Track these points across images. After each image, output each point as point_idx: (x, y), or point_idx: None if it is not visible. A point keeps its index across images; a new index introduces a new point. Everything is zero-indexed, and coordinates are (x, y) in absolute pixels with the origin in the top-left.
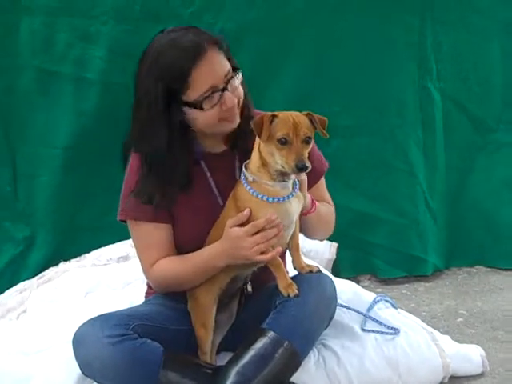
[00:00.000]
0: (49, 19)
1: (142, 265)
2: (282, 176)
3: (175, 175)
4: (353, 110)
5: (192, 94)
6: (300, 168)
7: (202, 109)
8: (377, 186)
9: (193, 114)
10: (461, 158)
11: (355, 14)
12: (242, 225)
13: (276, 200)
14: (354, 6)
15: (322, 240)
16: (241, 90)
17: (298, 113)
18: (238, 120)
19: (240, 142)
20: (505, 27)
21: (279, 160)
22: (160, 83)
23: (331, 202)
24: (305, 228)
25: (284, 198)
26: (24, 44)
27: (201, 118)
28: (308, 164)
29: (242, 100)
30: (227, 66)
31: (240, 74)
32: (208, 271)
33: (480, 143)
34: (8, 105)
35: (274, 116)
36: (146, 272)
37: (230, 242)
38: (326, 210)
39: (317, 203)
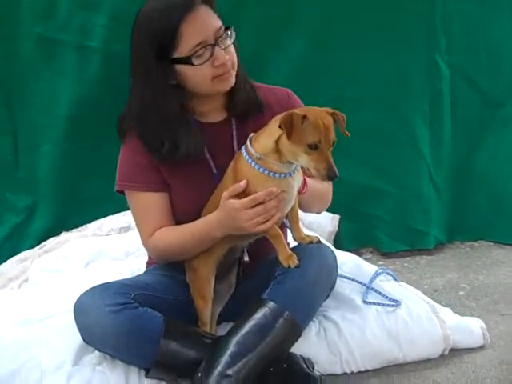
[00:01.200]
0: None
1: (140, 235)
2: (288, 160)
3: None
4: (357, 81)
5: (183, 50)
6: (331, 177)
7: (192, 64)
8: (380, 158)
9: (185, 71)
10: (467, 133)
11: None
12: (238, 196)
13: (281, 176)
14: None
15: (318, 213)
16: (233, 50)
17: (324, 113)
18: (232, 80)
19: (236, 108)
20: None
21: (307, 164)
22: (152, 41)
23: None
24: (299, 203)
25: (287, 174)
26: (26, 11)
27: (194, 76)
28: (338, 173)
29: (235, 60)
30: (218, 23)
31: (233, 33)
32: (205, 241)
33: (488, 118)
34: (9, 73)
35: (304, 117)
36: (144, 242)
37: (227, 214)
38: (321, 187)
39: (308, 183)
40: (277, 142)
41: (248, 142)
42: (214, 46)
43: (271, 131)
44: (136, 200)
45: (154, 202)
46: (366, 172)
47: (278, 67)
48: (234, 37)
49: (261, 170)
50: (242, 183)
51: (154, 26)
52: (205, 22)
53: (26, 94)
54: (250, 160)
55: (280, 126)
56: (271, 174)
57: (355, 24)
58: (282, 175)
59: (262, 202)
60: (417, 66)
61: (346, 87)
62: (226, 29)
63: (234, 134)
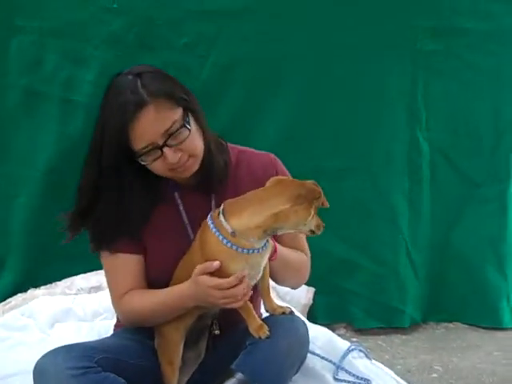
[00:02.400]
0: (40, 39)
1: (111, 295)
2: (269, 234)
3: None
4: (341, 152)
5: (134, 146)
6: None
7: (142, 160)
8: (358, 232)
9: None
10: (446, 210)
11: (348, 57)
12: (211, 273)
13: (252, 252)
14: (347, 49)
15: (293, 289)
16: (191, 143)
17: None
18: (193, 168)
19: (209, 185)
20: (496, 82)
21: (312, 226)
22: (109, 132)
23: (306, 250)
24: (271, 273)
25: (259, 249)
26: (13, 62)
27: (150, 167)
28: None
29: (194, 150)
30: (171, 119)
31: (190, 125)
32: (176, 310)
33: (466, 196)
34: None
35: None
36: (114, 303)
37: (199, 289)
38: (296, 257)
39: (281, 252)
40: (277, 214)
41: (219, 213)
42: (162, 147)
43: (269, 205)
44: (109, 260)
45: (128, 263)
46: (342, 244)
47: (263, 131)
48: (190, 126)
49: (229, 245)
50: (215, 264)
51: (108, 123)
52: (152, 125)
53: (7, 144)
54: (218, 234)
55: (296, 201)
56: (244, 250)
57: (342, 95)
58: (255, 251)
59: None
60: (398, 140)
61: (330, 156)
62: (186, 110)
63: (213, 202)
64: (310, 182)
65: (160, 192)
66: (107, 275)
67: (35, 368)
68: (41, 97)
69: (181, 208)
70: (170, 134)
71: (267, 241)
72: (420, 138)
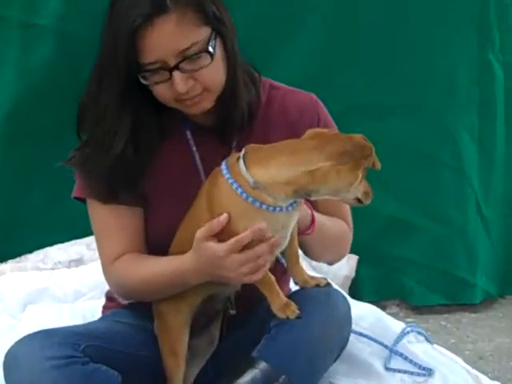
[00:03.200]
0: None
1: (100, 258)
2: (299, 196)
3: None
4: (386, 84)
5: (140, 58)
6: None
7: (144, 78)
8: (413, 184)
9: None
10: None
11: None
12: (217, 234)
13: (276, 210)
14: None
15: (330, 264)
16: (209, 74)
17: None
18: (205, 106)
19: (231, 130)
20: None
21: (359, 191)
22: (116, 35)
23: (348, 219)
24: (304, 247)
25: (283, 208)
26: None
27: (152, 89)
28: None
29: (210, 82)
30: (192, 38)
31: (214, 52)
32: (176, 287)
33: None
34: None
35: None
36: (104, 268)
37: (207, 260)
38: (336, 227)
39: (320, 222)
40: (313, 172)
41: (238, 158)
42: (172, 70)
43: (305, 159)
44: (98, 213)
45: (122, 217)
46: (392, 200)
47: (286, 64)
48: (218, 56)
49: (250, 200)
50: (222, 219)
51: (118, 24)
52: (167, 39)
53: None
54: (234, 185)
55: (339, 158)
56: (264, 206)
57: (385, 10)
58: (278, 208)
59: (249, 244)
60: (464, 65)
61: (371, 91)
62: (216, 33)
63: (235, 143)
64: (358, 136)
65: (168, 127)
66: (97, 233)
67: (5, 358)
68: None
69: (193, 149)
70: (185, 57)
71: (296, 202)
72: (493, 61)
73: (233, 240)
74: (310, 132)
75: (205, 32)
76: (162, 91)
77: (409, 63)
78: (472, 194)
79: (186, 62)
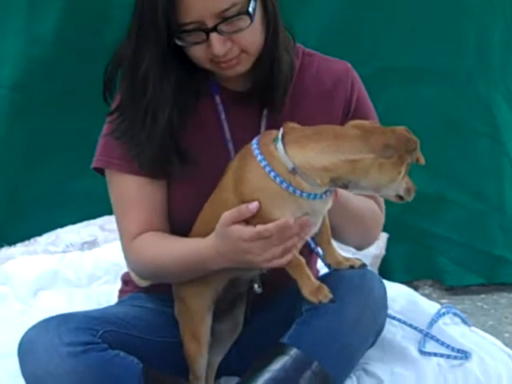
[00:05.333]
0: None
1: (120, 235)
2: (336, 185)
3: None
4: (415, 47)
5: (178, 18)
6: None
7: (180, 39)
8: (445, 155)
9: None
10: None
11: None
12: (246, 221)
13: (310, 197)
14: None
15: (358, 249)
16: (247, 36)
17: None
18: (241, 68)
19: (267, 96)
20: None
21: (401, 188)
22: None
23: (380, 202)
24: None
25: (317, 195)
26: None
27: (187, 50)
28: None
29: (249, 44)
30: (231, 1)
31: (254, 13)
32: (198, 271)
33: None
34: None
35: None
36: (124, 246)
37: (230, 245)
38: (363, 206)
39: (340, 196)
40: (355, 162)
41: (275, 139)
42: (210, 31)
43: (348, 147)
44: (120, 185)
45: (145, 192)
46: (423, 174)
47: (305, 25)
48: (257, 19)
49: (284, 185)
50: (252, 206)
51: None
52: None
53: None
54: (269, 169)
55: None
56: (298, 192)
57: None
58: (312, 196)
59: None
60: (498, 26)
61: (399, 54)
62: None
63: (264, 121)
64: (401, 129)
65: (198, 89)
66: (116, 206)
67: (20, 345)
68: None
69: (222, 117)
70: (224, 18)
71: (330, 191)
72: None
73: (262, 228)
74: (352, 123)
75: None
76: (198, 52)
77: (439, 25)
78: (509, 165)
79: (225, 23)
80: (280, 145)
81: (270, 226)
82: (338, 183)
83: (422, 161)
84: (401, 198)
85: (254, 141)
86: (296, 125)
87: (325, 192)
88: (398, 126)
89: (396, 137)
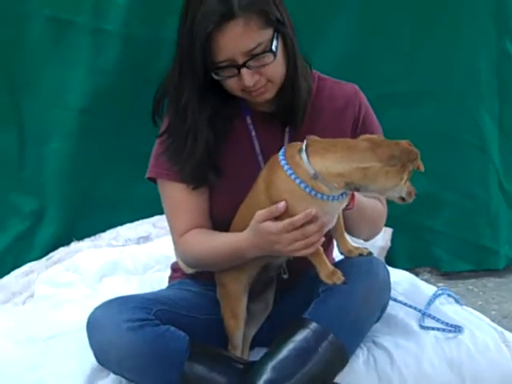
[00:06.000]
0: None
1: (171, 232)
2: (350, 189)
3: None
4: (414, 73)
5: (213, 57)
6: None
7: (215, 74)
8: (441, 162)
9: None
10: None
11: None
12: (276, 218)
13: (329, 199)
14: None
15: (366, 240)
16: (272, 69)
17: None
18: (268, 95)
19: (290, 116)
20: None
21: (403, 192)
22: (193, 39)
23: (383, 200)
24: (344, 223)
25: (335, 197)
26: None
27: (222, 82)
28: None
29: (273, 75)
30: (257, 39)
31: (276, 50)
32: (235, 258)
33: None
34: (15, 59)
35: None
36: (175, 241)
37: (261, 237)
38: (373, 206)
39: (359, 200)
40: (365, 169)
41: (300, 150)
42: (241, 67)
43: (359, 157)
44: (171, 191)
45: (191, 196)
46: (422, 177)
47: (323, 53)
48: (279, 55)
49: (307, 189)
50: (280, 206)
51: (193, 28)
52: (235, 41)
53: (34, 83)
54: (293, 176)
55: (388, 162)
56: (319, 195)
57: (411, 6)
58: (330, 197)
59: (302, 225)
60: (484, 54)
61: (401, 80)
62: (277, 33)
63: (286, 136)
64: (404, 142)
65: (231, 114)
66: (168, 210)
67: (88, 322)
68: (68, 26)
69: (253, 134)
70: (252, 55)
71: (346, 193)
72: (510, 50)
73: (287, 221)
74: (362, 137)
75: (268, 33)
76: (231, 84)
77: (433, 54)
78: (494, 171)
79: (253, 60)
80: (304, 155)
81: (294, 219)
82: (351, 187)
83: (422, 168)
84: (403, 199)
85: (281, 152)
86: (317, 138)
87: (341, 194)
88: (401, 139)
89: (400, 149)
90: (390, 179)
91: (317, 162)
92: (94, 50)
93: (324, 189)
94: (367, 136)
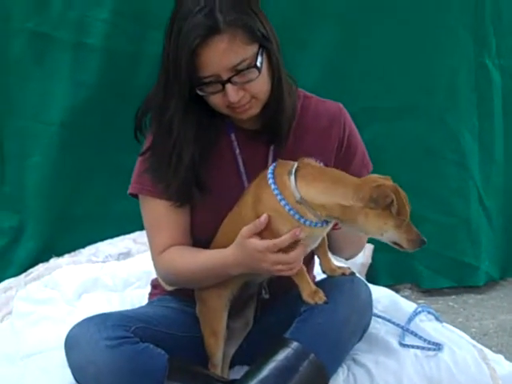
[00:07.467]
0: None
1: (151, 249)
2: (334, 219)
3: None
4: (395, 89)
5: (198, 73)
6: (422, 244)
7: (200, 90)
8: (421, 178)
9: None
10: None
11: None
12: (260, 232)
13: (312, 224)
14: None
15: (347, 259)
16: (257, 85)
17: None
18: (252, 112)
19: (274, 134)
20: None
21: (396, 237)
22: (178, 53)
23: None
24: (328, 245)
25: (322, 223)
26: (16, 4)
27: (206, 99)
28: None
29: (258, 92)
30: (242, 55)
31: (261, 66)
32: (218, 276)
33: None
34: None
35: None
36: (154, 258)
37: (247, 255)
38: None
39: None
40: (344, 207)
41: (289, 172)
42: (225, 83)
43: (341, 192)
44: (151, 207)
45: (173, 213)
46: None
47: (305, 69)
48: (263, 70)
49: (291, 212)
50: (263, 219)
51: (178, 43)
52: (220, 57)
53: (15, 97)
54: (280, 198)
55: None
56: (302, 220)
57: (392, 21)
58: (313, 224)
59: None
60: (463, 70)
61: (382, 96)
62: (262, 48)
63: (271, 154)
64: (388, 185)
65: (217, 130)
66: (148, 226)
67: (66, 339)
68: (49, 41)
69: (237, 152)
70: (237, 71)
71: (331, 222)
72: (490, 65)
73: (271, 242)
74: (369, 176)
75: (253, 49)
76: (216, 100)
77: (413, 70)
78: (474, 187)
79: (237, 76)
80: (292, 178)
81: (279, 240)
82: (333, 219)
83: (405, 216)
84: (400, 245)
85: (270, 170)
86: (311, 161)
87: (325, 221)
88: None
89: (377, 192)
90: (370, 222)
91: (303, 187)
92: (75, 64)
93: (308, 215)
94: (372, 176)
